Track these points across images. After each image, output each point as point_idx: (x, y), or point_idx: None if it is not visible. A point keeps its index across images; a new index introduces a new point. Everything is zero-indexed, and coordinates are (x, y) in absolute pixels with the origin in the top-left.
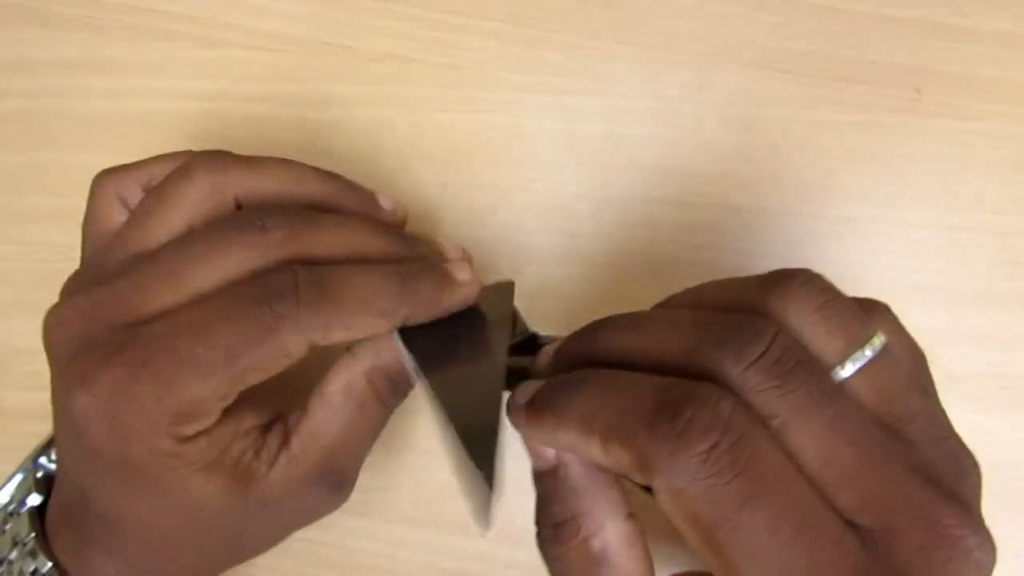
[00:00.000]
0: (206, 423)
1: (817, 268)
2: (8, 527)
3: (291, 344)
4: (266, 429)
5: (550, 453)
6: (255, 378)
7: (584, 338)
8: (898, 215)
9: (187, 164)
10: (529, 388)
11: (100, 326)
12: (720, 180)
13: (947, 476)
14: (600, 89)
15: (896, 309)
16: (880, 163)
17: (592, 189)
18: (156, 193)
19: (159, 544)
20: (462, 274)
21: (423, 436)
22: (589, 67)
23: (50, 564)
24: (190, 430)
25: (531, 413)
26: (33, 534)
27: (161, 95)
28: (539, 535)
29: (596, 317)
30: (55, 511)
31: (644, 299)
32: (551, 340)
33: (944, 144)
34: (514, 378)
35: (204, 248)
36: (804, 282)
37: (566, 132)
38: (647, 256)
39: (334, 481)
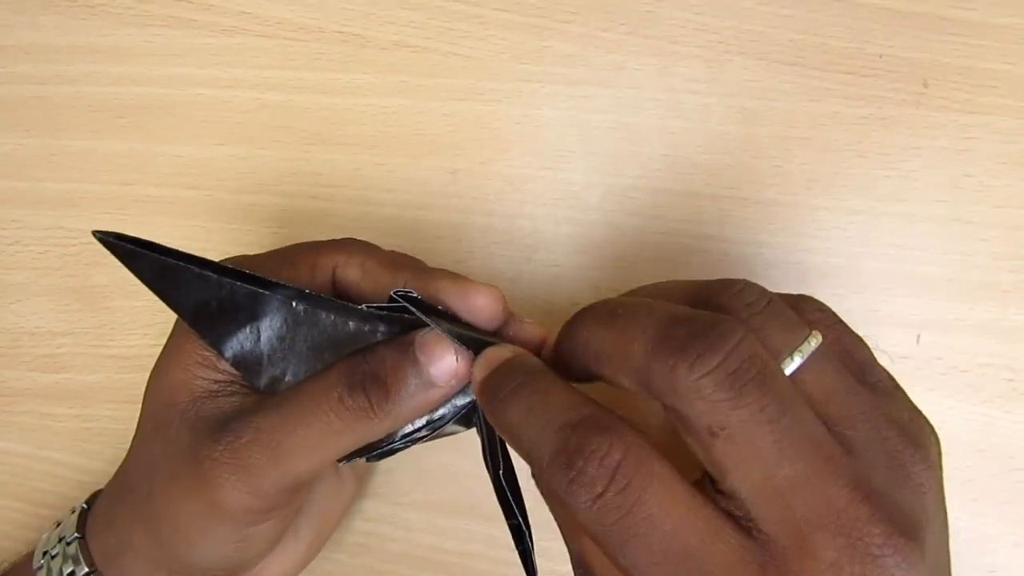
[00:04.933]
0: None
1: (821, 259)
2: (60, 526)
3: None
4: None
5: None
6: None
7: (566, 332)
8: (903, 208)
9: None
10: (486, 362)
11: None
12: (727, 171)
13: (887, 484)
14: (609, 80)
15: (901, 301)
16: (886, 156)
17: (600, 178)
18: None
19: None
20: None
21: None
22: (599, 58)
23: (86, 569)
24: None
25: (482, 395)
26: (78, 535)
27: (175, 82)
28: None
29: None
30: (100, 511)
31: None
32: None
33: (950, 138)
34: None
35: None
36: (738, 291)
37: (575, 122)
38: (654, 245)
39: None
